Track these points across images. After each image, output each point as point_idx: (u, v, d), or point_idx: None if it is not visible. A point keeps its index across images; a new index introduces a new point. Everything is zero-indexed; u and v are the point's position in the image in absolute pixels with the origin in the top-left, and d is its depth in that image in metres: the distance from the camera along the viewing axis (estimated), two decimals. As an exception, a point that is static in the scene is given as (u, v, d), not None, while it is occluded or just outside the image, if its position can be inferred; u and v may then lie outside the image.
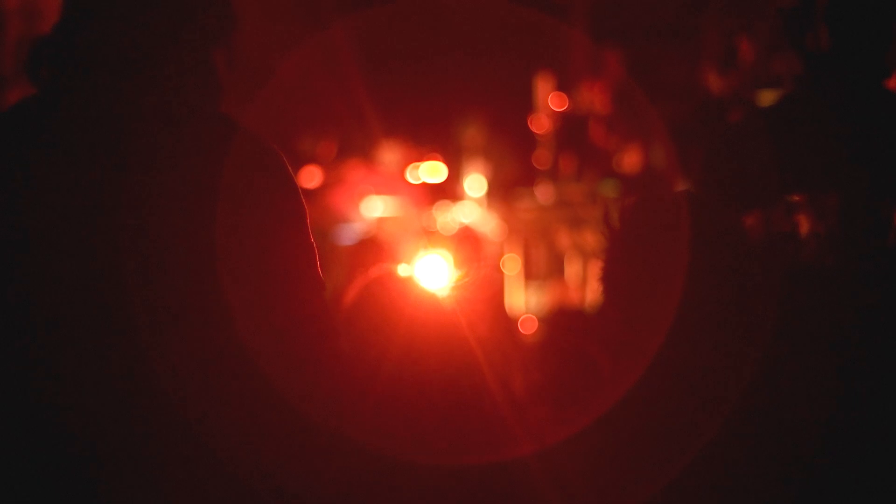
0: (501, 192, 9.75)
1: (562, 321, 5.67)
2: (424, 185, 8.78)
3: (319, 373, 1.92)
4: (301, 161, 9.43)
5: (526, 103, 10.42)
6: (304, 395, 1.89)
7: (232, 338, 1.82)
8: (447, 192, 9.65)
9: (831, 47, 2.88)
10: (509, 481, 2.39)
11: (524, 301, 9.10)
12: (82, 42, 1.89)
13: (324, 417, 1.91)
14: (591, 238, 8.47)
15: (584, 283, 8.48)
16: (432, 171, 8.85)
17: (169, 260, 1.82)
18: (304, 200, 1.95)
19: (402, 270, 2.63)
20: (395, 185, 9.21)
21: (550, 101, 10.29)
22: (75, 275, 1.81)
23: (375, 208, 8.87)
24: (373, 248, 5.26)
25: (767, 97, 7.95)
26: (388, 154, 9.26)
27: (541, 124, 10.30)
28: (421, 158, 8.89)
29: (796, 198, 2.78)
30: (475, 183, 9.60)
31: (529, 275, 9.86)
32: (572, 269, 8.65)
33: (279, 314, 1.88)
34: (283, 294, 1.89)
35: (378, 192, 9.03)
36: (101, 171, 1.84)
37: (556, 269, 8.94)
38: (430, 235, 8.19)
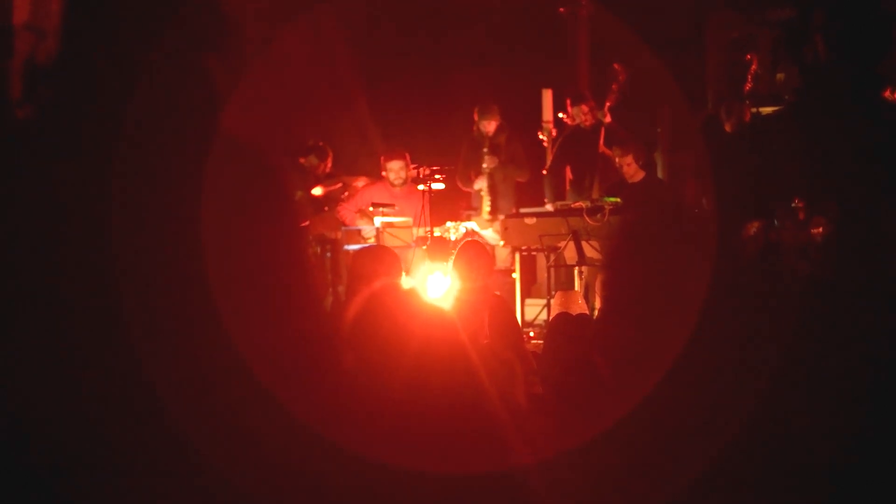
0: (507, 202, 9.78)
1: (566, 331, 5.67)
2: (430, 193, 8.81)
3: (318, 380, 1.94)
4: (306, 170, 9.47)
5: (532, 114, 10.47)
6: (302, 403, 1.91)
7: (229, 347, 1.85)
8: (453, 200, 9.69)
9: (829, 60, 2.92)
10: (508, 492, 2.40)
11: (529, 311, 9.12)
12: (78, 59, 1.93)
13: (321, 424, 1.93)
14: (596, 247, 8.49)
15: (589, 293, 8.50)
16: (438, 181, 8.88)
17: (163, 267, 1.86)
18: (299, 213, 1.98)
19: (405, 283, 2.65)
20: (400, 193, 9.24)
21: (556, 112, 10.34)
22: (74, 280, 1.85)
23: (381, 216, 8.89)
24: (378, 255, 5.29)
25: (768, 109, 7.98)
26: (394, 163, 9.30)
27: (546, 135, 10.35)
28: (426, 167, 8.92)
29: (795, 206, 2.81)
30: (480, 192, 9.63)
31: (534, 284, 9.88)
32: (577, 279, 8.68)
33: (276, 323, 1.91)
34: (280, 304, 1.91)
35: (384, 201, 9.05)
36: (99, 180, 1.87)
37: (561, 279, 8.96)
38: (436, 244, 8.21)
